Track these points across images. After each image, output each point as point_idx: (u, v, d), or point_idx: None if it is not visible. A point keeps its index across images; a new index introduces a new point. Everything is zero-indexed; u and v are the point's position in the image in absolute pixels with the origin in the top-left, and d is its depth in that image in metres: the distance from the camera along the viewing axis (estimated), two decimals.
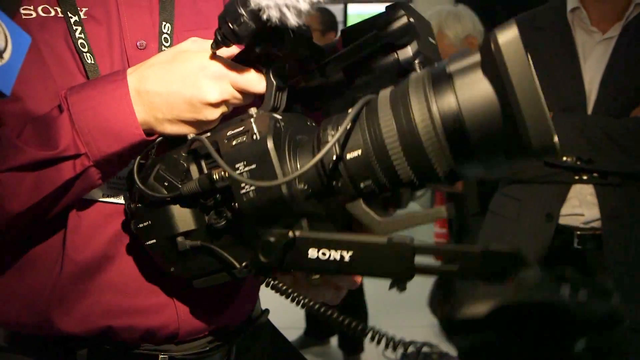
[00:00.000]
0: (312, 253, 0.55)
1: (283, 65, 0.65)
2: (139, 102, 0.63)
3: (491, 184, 1.75)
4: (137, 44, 0.73)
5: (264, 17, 0.55)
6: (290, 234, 0.55)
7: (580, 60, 1.48)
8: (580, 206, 1.46)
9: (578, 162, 1.39)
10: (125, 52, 0.73)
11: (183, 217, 0.63)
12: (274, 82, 0.64)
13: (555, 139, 0.45)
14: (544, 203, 1.50)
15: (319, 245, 0.55)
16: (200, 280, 0.67)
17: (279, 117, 0.61)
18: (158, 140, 0.66)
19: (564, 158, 1.40)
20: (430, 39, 0.63)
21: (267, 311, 0.92)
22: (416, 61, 0.58)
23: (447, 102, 0.49)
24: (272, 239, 0.56)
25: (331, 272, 0.57)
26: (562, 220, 1.48)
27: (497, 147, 0.48)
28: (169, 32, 0.75)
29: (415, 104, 0.51)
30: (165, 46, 0.74)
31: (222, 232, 0.61)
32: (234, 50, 0.65)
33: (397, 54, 0.60)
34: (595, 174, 1.42)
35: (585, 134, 1.39)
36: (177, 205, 0.63)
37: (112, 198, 0.71)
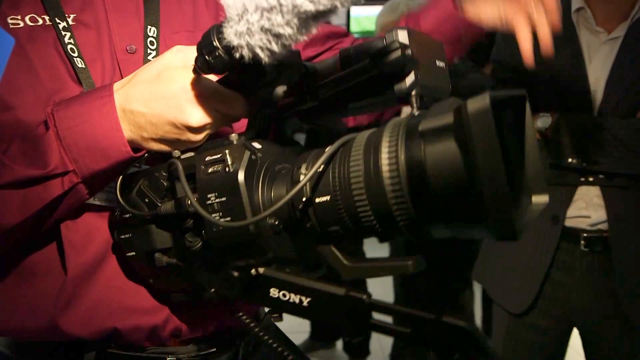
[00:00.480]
0: (274, 292, 0.56)
1: (270, 89, 0.64)
2: (125, 120, 0.63)
3: None
4: (127, 48, 0.74)
5: (237, 55, 0.53)
6: (253, 271, 0.56)
7: (585, 60, 1.47)
8: (587, 208, 1.44)
9: (583, 164, 1.38)
10: (115, 56, 0.73)
11: (161, 235, 0.64)
12: (258, 108, 0.63)
13: (512, 218, 0.43)
14: (550, 205, 1.47)
15: (280, 286, 0.55)
16: (176, 295, 0.68)
17: (257, 146, 0.60)
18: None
19: (569, 160, 1.38)
20: (438, 62, 0.61)
21: (270, 312, 0.92)
22: (413, 93, 0.56)
23: (416, 157, 0.48)
24: (235, 274, 0.57)
25: (290, 313, 0.57)
26: (569, 223, 1.47)
27: (458, 211, 0.47)
28: (154, 35, 0.75)
29: (384, 152, 0.50)
30: (150, 49, 0.74)
31: (196, 254, 0.61)
32: None
33: (393, 84, 0.57)
34: (601, 176, 1.40)
35: (591, 135, 1.38)
36: (156, 224, 0.64)
37: (105, 202, 0.71)
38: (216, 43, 0.55)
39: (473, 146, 0.43)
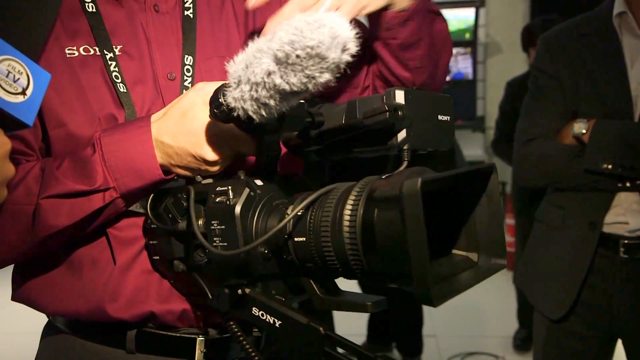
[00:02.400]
0: (255, 311, 0.65)
1: (276, 135, 0.73)
2: (157, 149, 0.75)
3: (540, 192, 1.73)
4: (168, 75, 0.85)
5: (235, 114, 0.62)
6: (240, 291, 0.65)
7: (627, 65, 1.45)
8: (625, 214, 1.43)
9: (619, 170, 1.37)
10: (158, 82, 0.84)
11: (179, 246, 0.74)
12: (265, 151, 0.72)
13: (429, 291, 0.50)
14: (588, 211, 1.48)
15: (259, 307, 0.65)
16: (190, 297, 0.80)
17: (259, 183, 0.69)
18: None
19: (604, 165, 1.38)
20: (441, 117, 0.67)
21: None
22: (404, 147, 0.62)
23: (369, 219, 0.56)
24: (226, 291, 0.66)
25: (266, 331, 0.65)
26: (607, 229, 1.46)
27: (397, 270, 0.54)
28: (191, 63, 0.86)
29: (348, 209, 0.58)
30: (187, 75, 0.85)
31: (202, 268, 0.71)
32: None
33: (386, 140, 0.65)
34: (639, 182, 1.38)
35: (628, 140, 1.37)
36: (176, 236, 0.75)
37: (135, 207, 0.82)
38: (221, 100, 0.64)
39: (404, 221, 0.50)
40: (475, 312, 3.88)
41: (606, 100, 1.44)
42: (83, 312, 0.82)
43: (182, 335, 0.85)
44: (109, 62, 0.82)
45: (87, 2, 0.82)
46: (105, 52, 0.82)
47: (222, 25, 0.91)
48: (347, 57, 0.57)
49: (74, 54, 0.81)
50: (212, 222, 0.67)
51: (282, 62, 0.56)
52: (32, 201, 0.74)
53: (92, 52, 0.82)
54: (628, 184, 1.40)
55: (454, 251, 0.63)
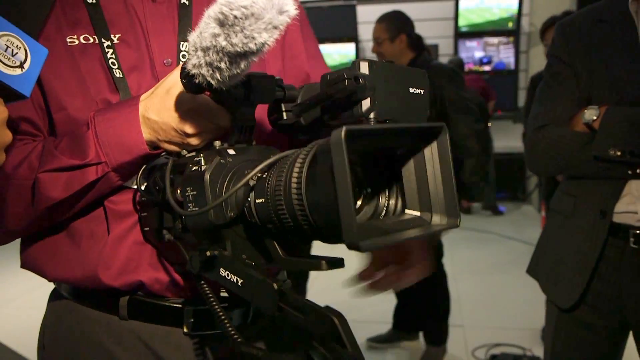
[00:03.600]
0: (222, 272, 0.69)
1: (251, 107, 0.77)
2: (145, 125, 0.81)
3: (555, 182, 1.72)
4: (164, 61, 0.90)
5: (196, 81, 0.67)
6: (208, 253, 0.69)
7: None
8: (635, 203, 1.40)
9: (628, 156, 1.34)
10: (155, 69, 0.89)
11: (166, 216, 0.79)
12: (237, 121, 0.77)
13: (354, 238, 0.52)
14: (598, 199, 1.46)
15: (225, 267, 0.69)
16: (177, 267, 0.85)
17: (231, 152, 0.73)
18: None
19: (612, 152, 1.35)
20: (414, 89, 0.68)
21: (287, 282, 1.04)
22: (371, 116, 0.64)
23: (312, 172, 0.59)
24: (196, 254, 0.70)
25: (231, 289, 0.69)
26: (617, 218, 1.43)
27: (333, 225, 0.55)
28: (187, 49, 0.89)
29: (296, 168, 0.60)
30: (182, 62, 0.89)
31: (180, 234, 0.76)
32: None
33: (352, 109, 0.66)
34: None
35: (638, 127, 1.34)
36: (164, 206, 0.79)
37: (130, 183, 0.88)
38: (185, 71, 0.69)
39: (332, 168, 0.53)
40: (503, 303, 3.84)
41: (620, 87, 1.42)
42: (79, 278, 0.89)
43: (171, 304, 0.90)
44: (107, 50, 0.87)
45: None
46: (103, 41, 0.87)
47: None
48: (285, 19, 0.61)
49: (75, 42, 0.87)
50: (187, 188, 0.72)
51: (223, 24, 0.60)
52: (34, 176, 0.81)
53: (91, 40, 0.87)
54: (639, 171, 1.37)
55: (408, 211, 0.65)
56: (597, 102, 1.45)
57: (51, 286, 1.01)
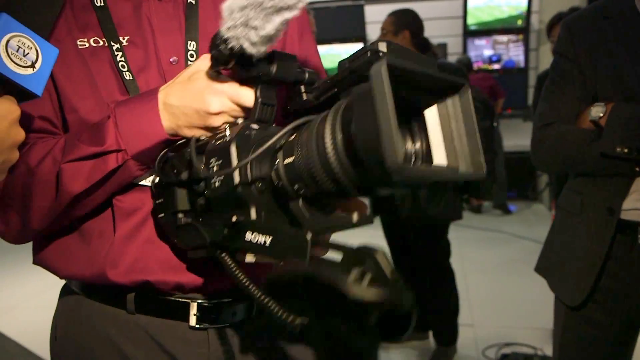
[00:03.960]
0: (248, 235, 0.69)
1: (272, 87, 0.79)
2: (165, 112, 0.82)
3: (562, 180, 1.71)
4: (170, 60, 0.91)
5: (230, 46, 0.70)
6: (234, 218, 0.69)
7: None
8: None
9: (635, 154, 1.34)
10: (161, 67, 0.91)
11: (182, 199, 0.80)
12: (260, 99, 0.78)
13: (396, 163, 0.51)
14: (606, 197, 1.46)
15: (252, 229, 0.68)
16: (192, 252, 0.83)
17: (254, 126, 0.75)
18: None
19: (619, 149, 1.35)
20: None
21: None
22: None
23: (347, 115, 0.59)
24: (219, 224, 0.71)
25: (257, 252, 0.69)
26: (625, 215, 1.43)
27: (376, 166, 0.54)
28: (194, 49, 0.92)
29: (329, 118, 0.61)
30: (190, 61, 0.91)
31: (204, 213, 0.77)
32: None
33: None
34: None
35: None
36: (180, 189, 0.80)
37: (146, 182, 0.89)
38: (217, 41, 0.71)
39: (373, 99, 0.53)
40: (513, 302, 3.83)
41: (626, 83, 1.41)
42: (89, 276, 0.91)
43: (177, 299, 0.92)
44: (116, 53, 0.89)
45: None
46: (112, 44, 0.89)
47: None
48: None
49: (85, 45, 0.89)
50: (211, 159, 0.73)
51: None
52: (57, 168, 0.83)
53: (101, 43, 0.89)
54: None
55: (435, 162, 0.65)
56: (603, 99, 1.45)
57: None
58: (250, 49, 0.70)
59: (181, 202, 0.80)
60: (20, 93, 0.72)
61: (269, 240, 0.67)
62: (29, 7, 0.77)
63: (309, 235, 0.63)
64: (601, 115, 1.41)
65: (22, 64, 0.71)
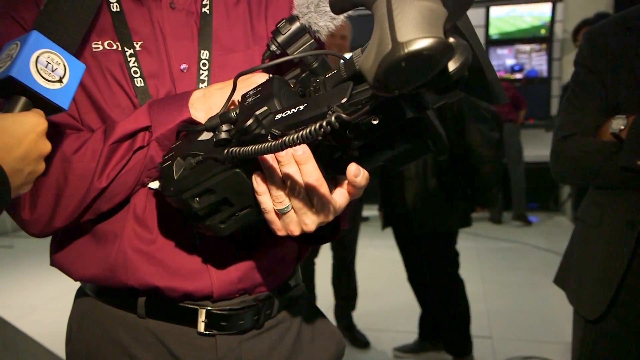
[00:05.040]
0: (278, 116, 0.69)
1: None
2: (199, 103, 0.85)
3: (584, 191, 1.70)
4: (181, 67, 0.93)
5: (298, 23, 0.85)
6: (263, 109, 0.70)
7: None
8: None
9: None
10: (172, 74, 0.93)
11: (198, 144, 0.80)
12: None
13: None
14: (626, 210, 1.44)
15: (282, 109, 0.70)
16: (202, 227, 0.81)
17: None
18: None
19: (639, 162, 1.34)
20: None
21: (301, 285, 1.07)
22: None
23: None
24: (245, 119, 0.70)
25: (295, 123, 0.68)
26: None
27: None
28: (207, 57, 0.94)
29: None
30: (202, 69, 0.93)
31: (223, 140, 0.75)
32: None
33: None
34: None
35: None
36: (198, 140, 0.81)
37: (155, 184, 0.91)
38: (293, 16, 0.85)
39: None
40: (533, 315, 3.78)
41: None
42: (101, 277, 0.93)
43: (186, 305, 0.94)
44: (129, 59, 0.91)
45: (112, 3, 0.92)
46: (126, 49, 0.91)
47: (238, 22, 0.98)
48: None
49: (99, 48, 0.91)
50: (247, 99, 0.75)
51: None
52: (95, 157, 0.85)
53: (115, 47, 0.91)
54: None
55: None
56: (624, 111, 1.44)
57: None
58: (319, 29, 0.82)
59: (196, 148, 0.80)
60: (48, 106, 0.75)
61: (303, 105, 0.67)
62: (57, 24, 0.79)
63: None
64: (622, 127, 1.40)
65: (50, 79, 0.74)
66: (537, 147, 6.58)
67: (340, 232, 0.91)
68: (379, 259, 4.99)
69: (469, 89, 0.65)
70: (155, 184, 0.91)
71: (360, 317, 3.53)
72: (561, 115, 1.60)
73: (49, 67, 0.74)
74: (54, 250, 0.99)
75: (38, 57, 0.73)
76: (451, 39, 0.56)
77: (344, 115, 0.61)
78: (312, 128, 0.61)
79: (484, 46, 6.39)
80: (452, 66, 0.56)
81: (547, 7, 6.87)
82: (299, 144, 0.62)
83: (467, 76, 0.59)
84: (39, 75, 0.73)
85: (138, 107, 0.90)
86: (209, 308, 0.94)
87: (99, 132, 0.88)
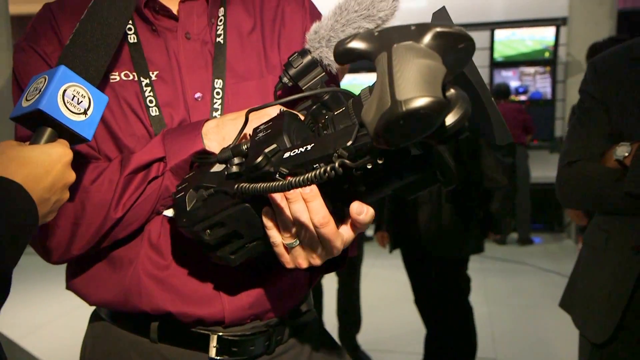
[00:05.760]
0: (287, 154, 0.71)
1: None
2: (214, 133, 0.87)
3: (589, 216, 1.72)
4: (195, 96, 0.95)
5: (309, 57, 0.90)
6: (273, 146, 0.73)
7: None
8: None
9: None
10: (186, 103, 0.95)
11: (210, 176, 0.82)
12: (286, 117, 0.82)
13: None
14: (631, 235, 1.46)
15: (292, 146, 0.72)
16: (215, 256, 0.83)
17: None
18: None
19: None
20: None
21: (312, 311, 1.08)
22: None
23: None
24: (258, 154, 0.72)
25: (302, 164, 0.70)
26: None
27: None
28: (220, 86, 0.96)
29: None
30: (216, 98, 0.96)
31: (234, 175, 0.78)
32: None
33: None
34: None
35: None
36: (210, 172, 0.83)
37: (170, 212, 0.92)
38: (306, 49, 0.90)
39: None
40: (538, 338, 3.76)
41: None
42: (115, 302, 0.96)
43: (198, 330, 0.96)
44: (145, 88, 0.94)
45: (129, 34, 0.95)
46: (142, 79, 0.94)
47: (251, 51, 1.00)
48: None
49: (116, 78, 0.94)
50: (258, 133, 0.77)
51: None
52: (112, 187, 0.88)
53: (131, 77, 0.94)
54: None
55: None
56: (629, 138, 1.46)
57: (88, 307, 1.07)
58: (329, 63, 0.88)
59: (208, 179, 0.82)
60: (72, 137, 0.78)
61: (310, 146, 0.70)
62: (83, 58, 0.82)
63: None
64: (626, 154, 1.43)
65: (76, 111, 0.77)
66: (541, 169, 6.60)
67: (347, 261, 0.93)
68: (385, 279, 4.98)
69: (473, 130, 0.68)
70: (169, 212, 0.93)
71: (365, 337, 3.53)
72: (567, 141, 1.63)
73: (75, 100, 0.78)
74: (69, 274, 1.01)
75: (65, 90, 0.77)
76: (452, 90, 0.59)
77: (347, 162, 0.64)
78: (317, 172, 0.64)
79: (489, 68, 6.35)
80: (451, 119, 0.58)
81: (550, 31, 6.95)
82: (305, 185, 0.65)
83: (467, 126, 0.61)
84: (65, 108, 0.76)
85: (153, 135, 0.92)
86: (220, 334, 0.95)
87: (116, 162, 0.90)
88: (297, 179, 0.65)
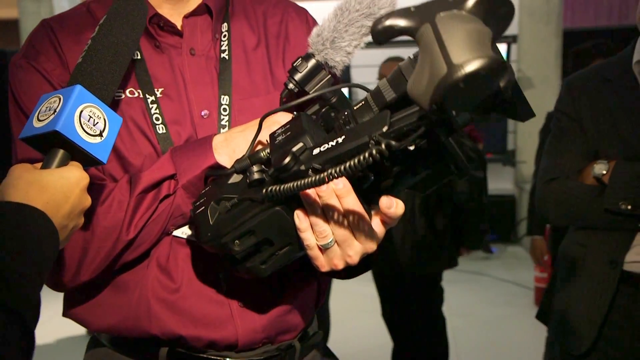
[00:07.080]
0: (316, 150, 0.71)
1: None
2: (224, 146, 0.86)
3: (564, 230, 1.78)
4: (202, 113, 0.94)
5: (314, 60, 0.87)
6: (299, 145, 0.72)
7: None
8: None
9: (639, 210, 1.41)
10: (193, 120, 0.93)
11: (230, 187, 0.81)
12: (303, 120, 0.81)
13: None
14: (608, 250, 1.52)
15: (319, 143, 0.72)
16: (235, 270, 0.81)
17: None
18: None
19: (623, 206, 1.43)
20: None
21: (319, 333, 1.07)
22: None
23: None
24: (284, 156, 0.71)
25: (334, 157, 0.70)
26: (628, 267, 1.50)
27: None
28: (227, 103, 0.95)
29: None
30: (223, 114, 0.94)
31: (257, 182, 0.77)
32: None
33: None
34: None
35: None
36: (228, 183, 0.82)
37: (180, 232, 0.91)
38: (309, 54, 0.87)
39: None
40: (502, 353, 3.85)
41: (627, 144, 1.50)
42: (119, 327, 0.92)
43: (209, 356, 0.93)
44: (150, 105, 0.92)
45: None
46: (147, 96, 0.92)
47: (257, 66, 0.99)
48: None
49: (121, 96, 0.91)
50: (277, 137, 0.77)
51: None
52: (123, 208, 0.85)
53: (136, 94, 0.92)
54: None
55: None
56: (604, 157, 1.53)
57: None
58: (335, 66, 0.87)
59: (228, 190, 0.81)
60: (86, 159, 0.75)
61: (341, 138, 0.69)
62: (96, 77, 0.78)
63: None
64: (604, 172, 1.49)
65: (92, 132, 0.74)
66: (495, 181, 6.79)
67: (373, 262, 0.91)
68: (352, 292, 4.98)
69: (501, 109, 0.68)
70: (179, 232, 0.91)
71: (333, 349, 3.51)
72: (544, 159, 1.69)
73: (91, 122, 0.74)
74: (68, 302, 0.96)
75: (82, 111, 0.74)
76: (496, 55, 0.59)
77: (393, 143, 0.63)
78: (361, 157, 0.62)
79: None
80: (501, 84, 0.57)
81: (502, 48, 7.19)
82: (345, 175, 0.64)
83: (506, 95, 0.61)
84: (82, 130, 0.73)
85: (160, 154, 0.90)
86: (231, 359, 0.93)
87: (123, 182, 0.88)
88: (337, 168, 0.64)
